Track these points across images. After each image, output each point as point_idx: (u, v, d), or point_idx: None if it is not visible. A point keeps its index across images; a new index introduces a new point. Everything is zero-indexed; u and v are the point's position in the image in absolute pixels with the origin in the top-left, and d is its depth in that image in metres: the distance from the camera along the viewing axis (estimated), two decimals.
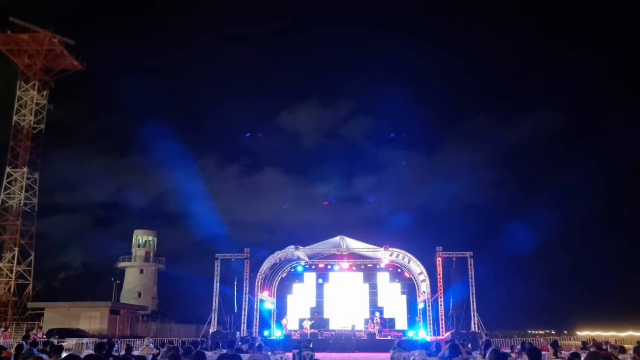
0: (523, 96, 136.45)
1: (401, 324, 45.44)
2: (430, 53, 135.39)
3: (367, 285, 46.81)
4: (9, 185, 59.53)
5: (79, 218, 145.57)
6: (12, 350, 14.81)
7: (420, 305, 44.22)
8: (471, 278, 40.00)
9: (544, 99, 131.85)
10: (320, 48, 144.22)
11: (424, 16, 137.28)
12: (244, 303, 41.58)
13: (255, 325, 42.23)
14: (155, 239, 77.53)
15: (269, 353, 17.55)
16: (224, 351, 15.09)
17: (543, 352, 14.13)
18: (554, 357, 14.41)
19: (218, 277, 41.88)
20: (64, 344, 29.61)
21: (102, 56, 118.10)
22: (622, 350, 14.99)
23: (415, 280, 45.41)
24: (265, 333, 42.46)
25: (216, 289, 41.80)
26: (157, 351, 17.49)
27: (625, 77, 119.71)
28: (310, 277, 47.44)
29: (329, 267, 46.94)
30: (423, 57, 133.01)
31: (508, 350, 20.09)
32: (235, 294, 41.57)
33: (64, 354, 9.85)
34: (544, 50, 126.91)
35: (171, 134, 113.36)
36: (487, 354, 10.18)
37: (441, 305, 40.46)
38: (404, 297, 46.46)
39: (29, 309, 55.64)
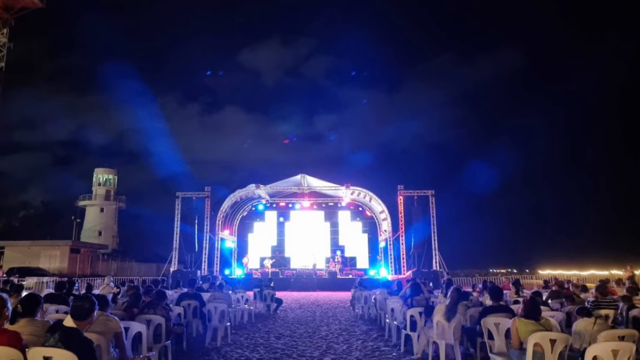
0: (484, 36, 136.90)
1: (362, 262, 45.68)
2: None
3: (328, 224, 46.92)
4: None
5: (39, 156, 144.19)
6: None
7: (382, 244, 44.42)
8: (433, 217, 40.07)
9: (504, 38, 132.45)
10: None
11: None
12: (204, 242, 41.26)
13: (216, 264, 42.12)
14: (116, 177, 76.91)
15: (230, 292, 17.34)
16: (185, 290, 14.78)
17: (505, 291, 14.10)
18: (515, 295, 14.37)
19: (179, 216, 41.48)
20: (24, 282, 29.32)
21: None
22: (585, 289, 14.99)
23: (377, 219, 45.55)
24: (226, 272, 42.42)
25: (177, 227, 41.43)
26: (118, 290, 17.22)
27: (585, 18, 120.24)
28: (271, 216, 47.37)
29: (290, 205, 46.87)
30: None
31: (470, 289, 20.23)
32: (196, 232, 41.22)
33: (24, 293, 9.53)
34: None
35: (132, 72, 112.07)
36: (449, 293, 10.02)
37: (402, 244, 40.59)
38: (365, 235, 46.69)
39: None
